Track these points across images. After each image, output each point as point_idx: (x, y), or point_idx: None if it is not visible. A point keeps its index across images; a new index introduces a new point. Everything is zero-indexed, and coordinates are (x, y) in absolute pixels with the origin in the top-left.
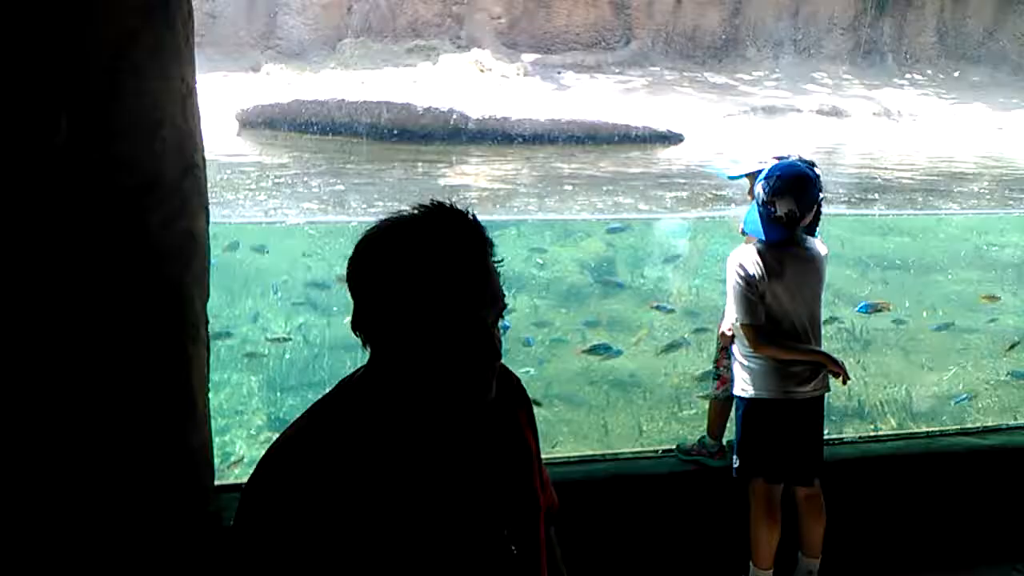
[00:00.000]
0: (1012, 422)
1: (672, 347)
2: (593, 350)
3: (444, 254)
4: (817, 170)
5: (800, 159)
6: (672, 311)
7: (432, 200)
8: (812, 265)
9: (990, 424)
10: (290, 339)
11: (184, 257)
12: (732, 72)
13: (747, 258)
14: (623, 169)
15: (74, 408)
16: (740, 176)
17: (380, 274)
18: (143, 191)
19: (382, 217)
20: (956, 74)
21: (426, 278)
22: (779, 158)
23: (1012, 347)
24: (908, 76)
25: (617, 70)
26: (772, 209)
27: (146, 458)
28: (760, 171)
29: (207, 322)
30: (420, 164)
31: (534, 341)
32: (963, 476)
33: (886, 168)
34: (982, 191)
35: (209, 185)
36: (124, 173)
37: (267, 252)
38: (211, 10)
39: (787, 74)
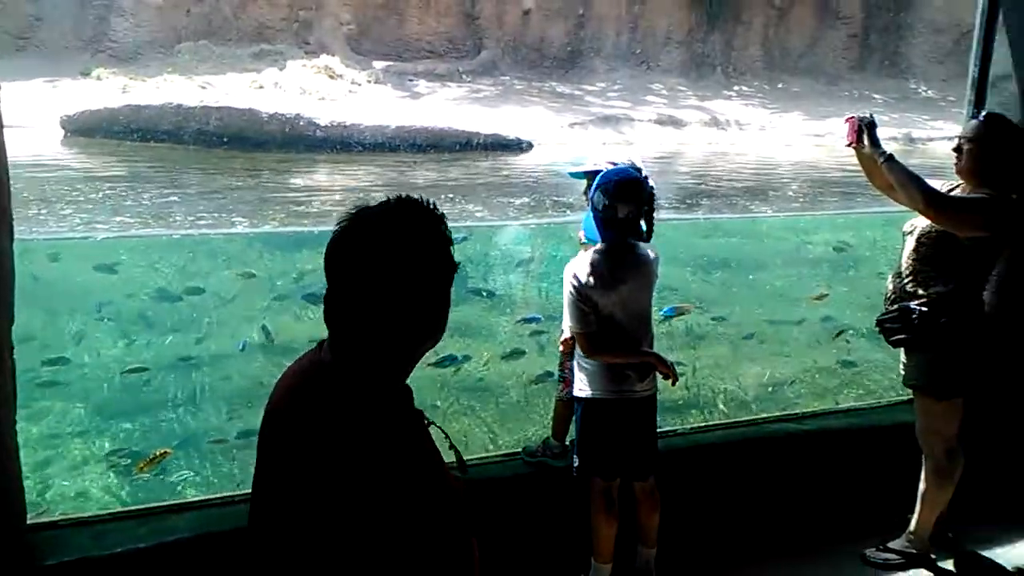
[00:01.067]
0: (831, 406)
1: (515, 354)
2: (440, 363)
3: (424, 244)
4: (647, 176)
5: (632, 165)
6: (539, 320)
7: (402, 194)
8: (645, 269)
9: (808, 410)
10: (147, 368)
11: None
12: (577, 82)
13: (581, 267)
14: (472, 177)
15: None
16: (581, 175)
17: (363, 263)
18: None
19: (353, 209)
20: (780, 85)
21: (411, 265)
22: (613, 163)
23: (838, 334)
24: (736, 88)
25: (468, 79)
26: (613, 213)
27: None
28: (598, 172)
29: (12, 348)
30: (264, 172)
31: None
32: (785, 460)
33: (714, 174)
34: (797, 194)
35: (25, 196)
36: None
37: (116, 271)
38: (36, 12)
39: (627, 85)
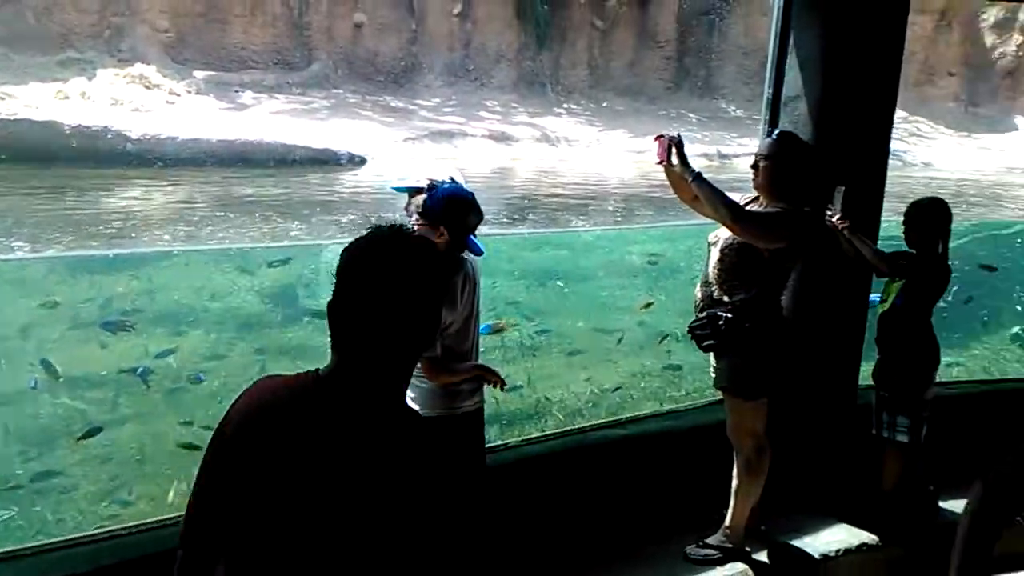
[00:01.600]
0: (656, 409)
1: None
2: None
3: (432, 262)
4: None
5: (452, 180)
6: None
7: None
8: (475, 284)
9: (636, 413)
10: None
11: None
12: (411, 97)
13: None
14: (293, 193)
15: None
16: (404, 190)
17: (390, 277)
18: None
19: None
20: (604, 104)
21: (425, 280)
22: (432, 180)
23: (662, 340)
24: (565, 105)
25: (299, 91)
26: (450, 228)
27: None
28: (420, 189)
29: None
30: (66, 190)
31: (205, 377)
32: (610, 465)
33: (543, 189)
34: (617, 208)
35: None
36: None
37: None
38: None
39: (460, 101)
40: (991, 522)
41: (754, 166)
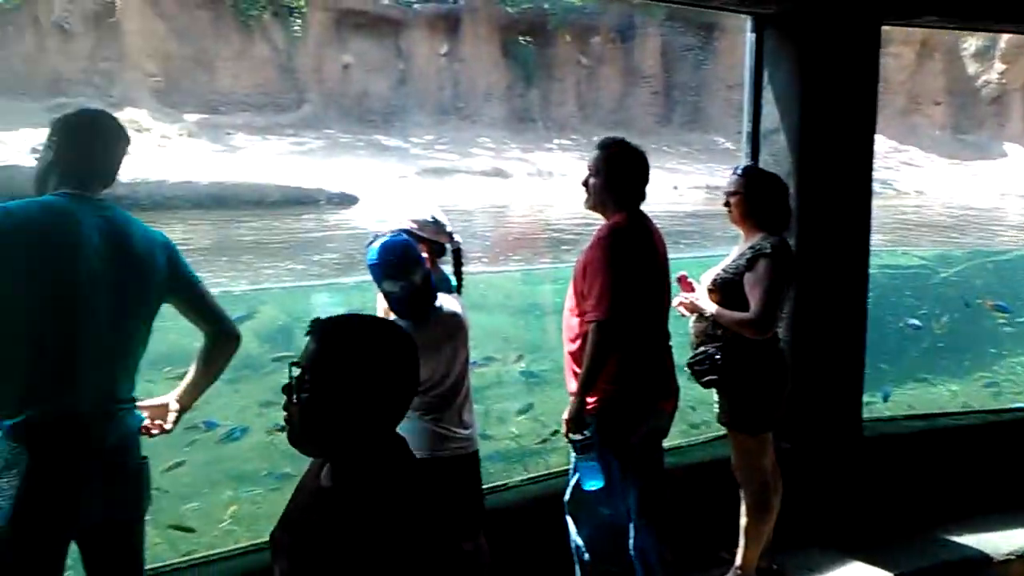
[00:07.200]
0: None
1: None
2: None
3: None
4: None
5: (433, 219)
6: None
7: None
8: (456, 324)
9: None
10: None
11: None
12: (404, 136)
13: None
14: (294, 234)
15: None
16: (375, 259)
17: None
18: None
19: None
20: (595, 138)
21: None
22: (417, 220)
23: None
24: (556, 140)
25: (291, 132)
26: (386, 293)
27: None
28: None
29: None
30: None
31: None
32: None
33: (535, 225)
34: None
35: None
36: None
37: None
38: None
39: (453, 139)
40: None
41: (726, 204)
